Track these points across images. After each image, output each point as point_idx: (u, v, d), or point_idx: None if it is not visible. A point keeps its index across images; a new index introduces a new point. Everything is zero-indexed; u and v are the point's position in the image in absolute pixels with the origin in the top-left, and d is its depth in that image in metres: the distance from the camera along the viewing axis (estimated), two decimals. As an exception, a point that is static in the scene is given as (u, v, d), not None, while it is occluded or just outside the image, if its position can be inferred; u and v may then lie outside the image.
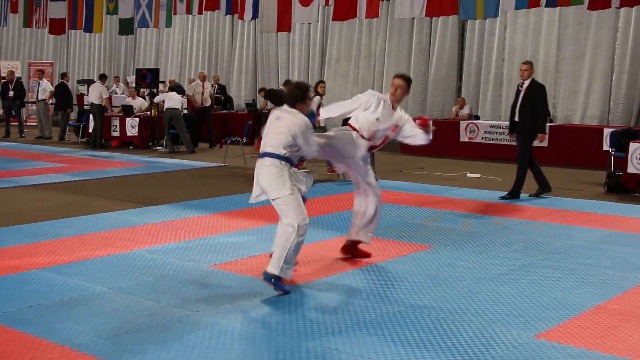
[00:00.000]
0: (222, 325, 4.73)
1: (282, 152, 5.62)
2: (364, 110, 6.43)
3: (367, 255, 6.57)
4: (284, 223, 5.48)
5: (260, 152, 5.78)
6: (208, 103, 17.60)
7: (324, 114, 6.77)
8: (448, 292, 5.49)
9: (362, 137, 6.41)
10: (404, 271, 6.09)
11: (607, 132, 13.15)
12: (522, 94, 9.90)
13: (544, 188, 10.05)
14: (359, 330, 4.63)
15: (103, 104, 16.97)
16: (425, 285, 5.69)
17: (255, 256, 6.63)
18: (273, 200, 5.60)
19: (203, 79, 17.75)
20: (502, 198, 9.89)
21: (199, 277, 5.94)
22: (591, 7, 15.64)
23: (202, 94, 17.41)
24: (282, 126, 5.67)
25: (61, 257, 6.53)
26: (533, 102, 9.82)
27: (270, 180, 5.59)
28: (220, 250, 6.86)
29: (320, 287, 5.62)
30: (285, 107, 5.83)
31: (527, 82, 9.88)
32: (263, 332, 4.61)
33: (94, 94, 16.99)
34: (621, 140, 11.37)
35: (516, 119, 9.96)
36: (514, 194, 9.92)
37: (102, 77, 17.79)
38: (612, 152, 11.40)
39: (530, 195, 10.05)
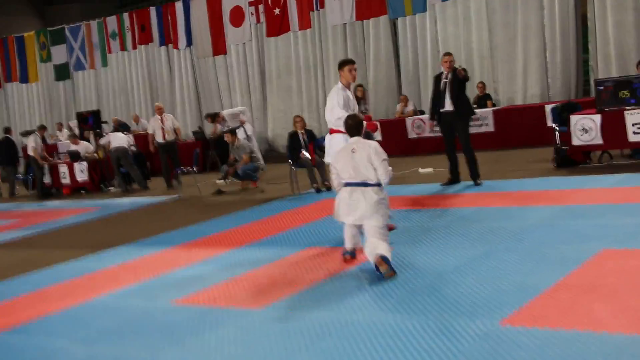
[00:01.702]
0: (189, 361, 4.68)
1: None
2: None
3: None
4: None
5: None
6: (171, 137, 15.51)
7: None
8: (410, 292, 5.49)
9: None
10: (364, 277, 6.07)
11: (548, 108, 13.37)
12: (448, 84, 10.07)
13: (456, 179, 10.32)
14: (323, 340, 4.61)
15: (33, 155, 16.79)
16: (388, 288, 5.68)
17: (217, 284, 6.56)
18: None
19: (160, 112, 15.66)
20: (476, 185, 10.00)
21: (161, 315, 5.86)
22: (514, -11, 15.97)
23: (162, 128, 15.43)
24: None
25: (19, 317, 6.39)
26: (459, 88, 10.03)
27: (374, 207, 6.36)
28: (181, 285, 6.77)
29: (287, 306, 5.58)
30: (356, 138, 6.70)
31: (450, 73, 10.07)
32: (230, 362, 4.56)
33: (29, 146, 16.85)
34: (562, 114, 11.54)
35: (448, 108, 10.08)
36: (475, 176, 10.08)
37: (41, 128, 17.52)
38: (556, 128, 11.58)
39: (442, 185, 10.29)
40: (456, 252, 6.50)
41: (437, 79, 10.37)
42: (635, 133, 10.16)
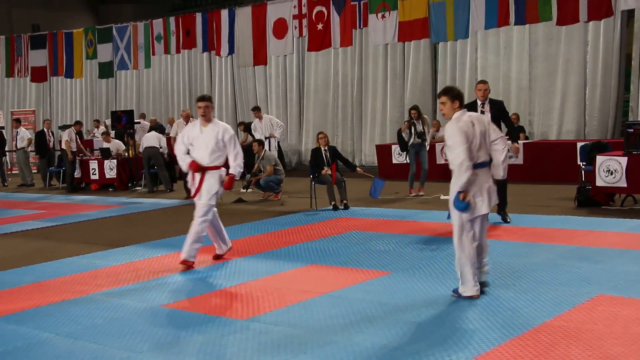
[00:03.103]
0: (159, 366, 4.68)
1: None
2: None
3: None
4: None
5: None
6: None
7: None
8: (396, 318, 5.42)
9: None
10: (355, 299, 6.02)
11: (579, 146, 13.14)
12: (485, 114, 9.66)
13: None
14: (296, 357, 4.57)
15: (65, 149, 17.08)
16: (373, 311, 5.62)
17: (210, 292, 6.59)
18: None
19: (187, 117, 14.80)
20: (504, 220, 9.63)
21: (149, 317, 5.89)
22: (560, 22, 15.79)
23: None
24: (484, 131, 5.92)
25: (15, 306, 6.49)
26: (497, 118, 9.70)
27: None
28: (177, 289, 6.81)
29: (271, 320, 5.55)
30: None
31: (486, 102, 9.65)
32: (199, 371, 4.55)
33: (63, 139, 17.30)
34: (590, 153, 11.34)
35: None
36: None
37: (77, 124, 17.86)
38: (583, 166, 11.37)
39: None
40: (452, 283, 6.37)
41: (470, 108, 9.51)
42: (661, 179, 9.92)
